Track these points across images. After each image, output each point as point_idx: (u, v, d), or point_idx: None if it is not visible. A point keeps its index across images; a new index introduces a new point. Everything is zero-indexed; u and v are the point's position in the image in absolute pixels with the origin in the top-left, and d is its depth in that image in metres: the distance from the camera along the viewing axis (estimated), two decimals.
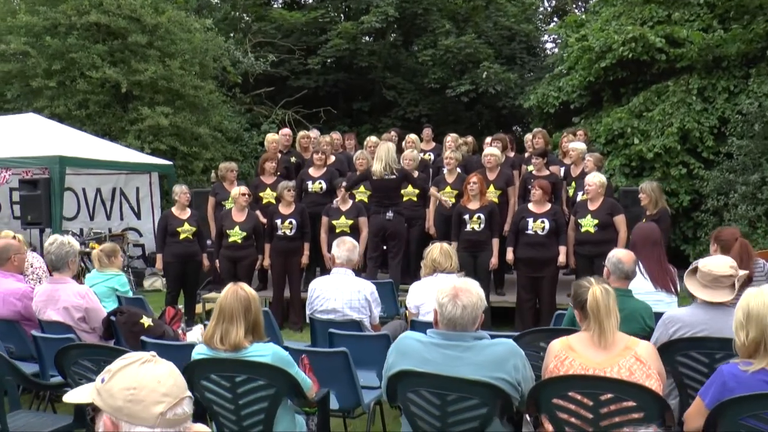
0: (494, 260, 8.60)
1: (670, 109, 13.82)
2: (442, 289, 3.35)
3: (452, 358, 3.27)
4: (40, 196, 10.58)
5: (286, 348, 4.46)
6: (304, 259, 9.11)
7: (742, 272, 4.28)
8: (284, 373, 3.51)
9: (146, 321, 5.32)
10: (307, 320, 5.88)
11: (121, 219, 13.70)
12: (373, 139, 10.59)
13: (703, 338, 3.96)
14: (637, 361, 3.29)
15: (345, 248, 5.75)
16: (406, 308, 5.83)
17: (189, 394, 1.93)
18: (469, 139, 12.11)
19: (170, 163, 13.63)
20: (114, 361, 1.92)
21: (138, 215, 13.65)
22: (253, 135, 18.14)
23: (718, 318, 4.00)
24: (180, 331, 5.76)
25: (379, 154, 8.56)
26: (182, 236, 9.06)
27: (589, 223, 8.24)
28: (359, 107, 21.02)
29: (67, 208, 13.56)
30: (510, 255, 8.51)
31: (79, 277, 11.28)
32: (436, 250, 5.61)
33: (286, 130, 11.13)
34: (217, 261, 9.18)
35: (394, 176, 8.46)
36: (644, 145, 13.66)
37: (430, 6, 20.04)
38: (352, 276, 5.70)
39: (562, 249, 8.33)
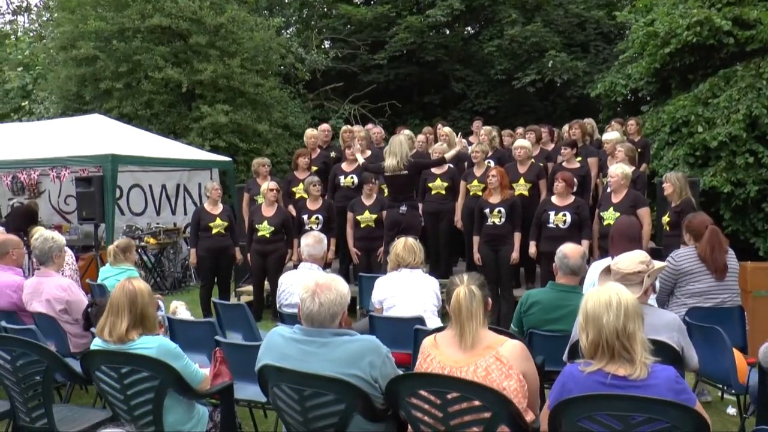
0: (515, 254, 8.48)
1: (737, 95, 13.14)
2: (305, 284, 3.37)
3: (308, 353, 3.28)
4: (94, 192, 11.05)
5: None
6: (329, 254, 9.17)
7: (659, 263, 4.12)
8: (167, 366, 3.60)
9: None
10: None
11: (185, 214, 14.17)
12: (406, 132, 10.54)
13: None
14: (496, 361, 3.21)
15: (305, 243, 5.82)
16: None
17: None
18: (519, 131, 11.89)
19: (229, 159, 13.99)
20: None
21: None
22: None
23: None
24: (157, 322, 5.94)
25: (393, 149, 8.53)
26: (214, 231, 9.32)
27: (611, 216, 7.97)
28: (430, 100, 20.95)
29: (136, 204, 14.22)
30: (533, 249, 8.36)
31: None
32: (400, 245, 5.60)
33: (325, 126, 11.26)
34: (248, 255, 9.39)
35: (405, 171, 8.43)
36: (708, 133, 13.07)
37: None
38: (317, 270, 5.76)
39: (585, 243, 8.10)
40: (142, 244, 12.23)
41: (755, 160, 12.98)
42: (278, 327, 3.52)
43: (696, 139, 13.26)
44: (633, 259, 3.99)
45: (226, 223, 9.38)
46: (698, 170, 13.30)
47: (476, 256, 8.70)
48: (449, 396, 3.07)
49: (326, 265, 9.26)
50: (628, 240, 5.56)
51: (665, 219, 7.94)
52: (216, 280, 9.61)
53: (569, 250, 4.81)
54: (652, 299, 5.45)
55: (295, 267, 9.65)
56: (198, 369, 3.85)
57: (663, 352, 3.78)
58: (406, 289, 5.47)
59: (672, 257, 5.70)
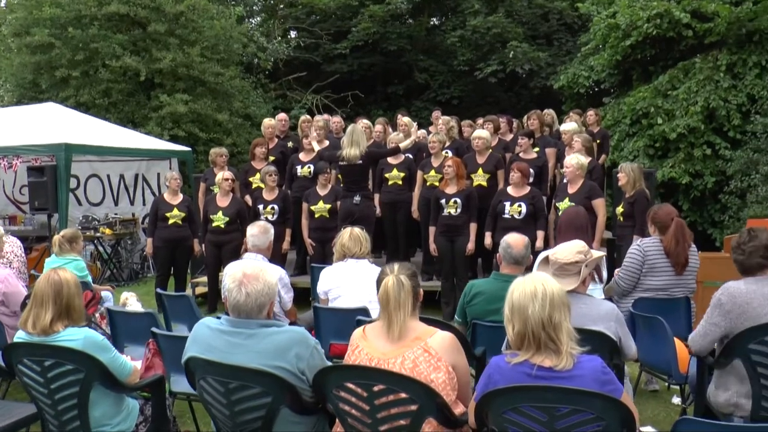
0: (471, 245, 8.45)
1: (695, 87, 13.30)
2: (232, 274, 3.30)
3: (234, 345, 3.20)
4: (47, 182, 10.85)
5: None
6: (285, 245, 9.09)
7: (597, 253, 4.08)
8: (92, 358, 3.50)
9: None
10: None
11: (144, 204, 13.96)
12: (364, 122, 10.45)
13: None
14: (425, 353, 3.14)
15: (251, 233, 5.73)
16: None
17: None
18: (479, 121, 11.84)
19: (188, 149, 13.82)
20: None
21: None
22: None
23: None
24: (98, 315, 5.85)
25: (355, 138, 8.45)
26: (171, 221, 9.19)
27: (566, 207, 7.95)
28: (394, 90, 20.90)
29: (93, 194, 14.00)
30: (488, 239, 8.34)
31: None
32: (346, 235, 5.52)
33: (283, 115, 11.13)
34: (202, 245, 9.28)
35: (360, 161, 8.37)
36: (667, 125, 13.18)
37: None
38: (262, 261, 5.66)
39: (540, 233, 8.12)
40: (98, 234, 12.04)
41: (713, 151, 13.15)
42: (205, 318, 3.43)
43: (655, 131, 13.39)
44: (571, 249, 3.95)
45: (183, 214, 9.24)
46: (658, 162, 13.43)
47: (432, 246, 8.66)
48: (375, 388, 3.01)
49: (283, 256, 9.28)
50: (575, 230, 5.54)
51: (619, 209, 7.94)
52: (172, 270, 9.48)
53: (513, 240, 4.76)
54: (596, 290, 5.46)
55: None
56: (126, 361, 3.76)
57: (600, 342, 3.77)
58: (351, 280, 5.40)
59: (638, 246, 5.63)
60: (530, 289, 2.88)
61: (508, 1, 19.94)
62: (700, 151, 13.01)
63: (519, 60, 17.81)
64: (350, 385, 3.07)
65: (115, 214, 13.56)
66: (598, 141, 10.94)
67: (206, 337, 3.29)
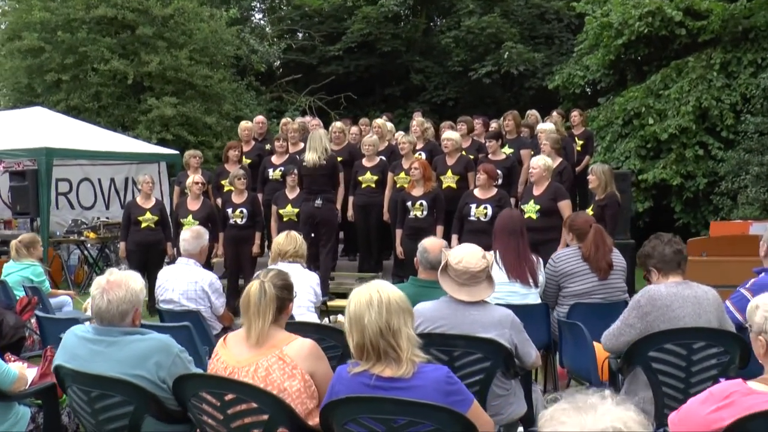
0: None
1: (688, 87, 13.06)
2: (97, 281, 3.25)
3: (95, 353, 3.17)
4: (28, 186, 10.91)
5: None
6: (255, 248, 9.05)
7: (489, 254, 3.95)
8: None
9: None
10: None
11: None
12: (337, 125, 10.36)
13: (441, 335, 3.69)
14: (279, 360, 3.05)
15: (183, 237, 5.69)
16: None
17: None
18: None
19: (176, 152, 13.84)
20: None
21: None
22: (273, 123, 18.26)
23: (459, 312, 3.73)
24: (32, 320, 5.84)
25: (313, 144, 8.43)
26: (144, 225, 9.19)
27: (531, 209, 7.80)
28: (391, 92, 20.78)
29: (85, 198, 14.02)
30: (455, 242, 8.20)
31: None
32: (282, 236, 5.46)
33: (260, 118, 11.12)
34: (175, 249, 9.25)
35: (323, 164, 8.31)
36: (659, 125, 12.96)
37: None
38: (194, 266, 5.60)
39: None
40: (82, 238, 12.06)
41: (705, 152, 12.90)
42: (76, 326, 3.39)
43: (647, 132, 13.18)
44: (478, 254, 3.81)
45: (156, 218, 9.24)
46: (650, 163, 13.22)
47: (399, 249, 8.58)
48: (227, 398, 2.95)
49: (253, 260, 9.23)
50: (509, 233, 5.47)
51: (589, 212, 7.78)
52: (146, 274, 9.45)
53: (429, 244, 4.63)
54: (530, 295, 5.35)
55: (224, 261, 9.67)
56: (10, 369, 3.70)
57: (492, 349, 3.66)
58: None
59: (552, 259, 5.56)
60: (365, 297, 2.79)
61: (504, 2, 19.75)
62: (692, 152, 12.78)
63: (513, 61, 17.62)
64: (205, 395, 3.01)
65: (107, 217, 13.58)
66: (582, 142, 10.80)
67: (73, 346, 3.25)
